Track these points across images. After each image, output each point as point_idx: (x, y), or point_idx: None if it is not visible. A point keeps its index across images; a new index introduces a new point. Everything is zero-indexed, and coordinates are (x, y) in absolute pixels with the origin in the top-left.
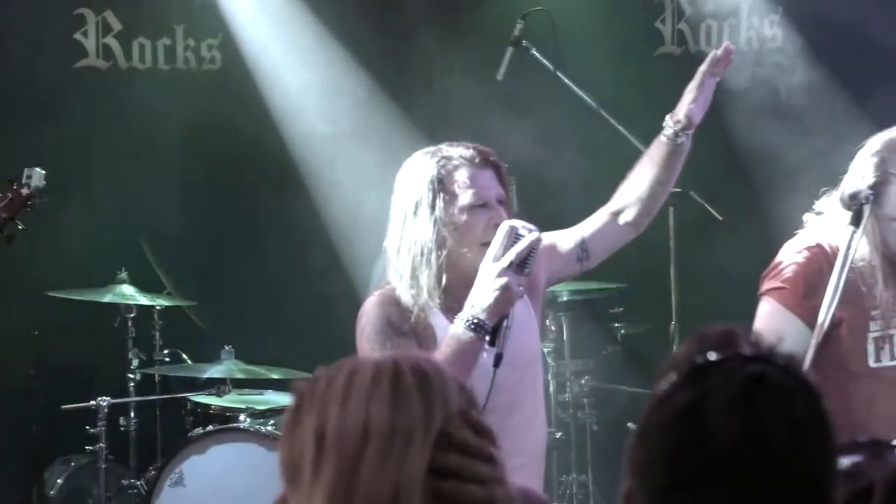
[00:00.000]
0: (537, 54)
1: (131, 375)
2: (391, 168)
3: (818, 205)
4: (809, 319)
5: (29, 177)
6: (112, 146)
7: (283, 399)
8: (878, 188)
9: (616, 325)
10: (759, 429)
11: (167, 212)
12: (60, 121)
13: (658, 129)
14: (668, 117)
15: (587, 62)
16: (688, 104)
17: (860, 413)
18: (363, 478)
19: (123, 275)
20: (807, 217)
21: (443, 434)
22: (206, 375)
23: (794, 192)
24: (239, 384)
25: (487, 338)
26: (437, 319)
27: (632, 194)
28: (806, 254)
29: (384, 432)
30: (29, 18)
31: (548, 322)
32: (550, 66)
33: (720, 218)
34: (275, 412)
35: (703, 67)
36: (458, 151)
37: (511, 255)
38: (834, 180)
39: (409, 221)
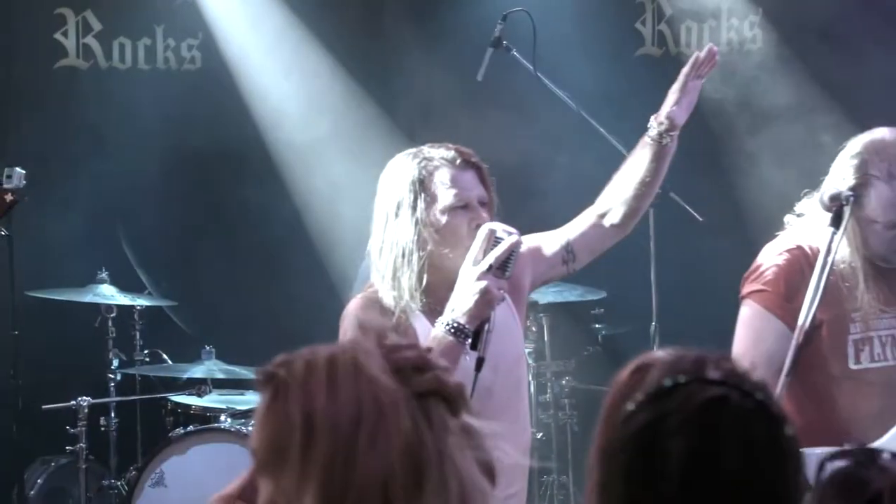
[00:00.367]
0: (517, 55)
1: (112, 375)
2: (371, 168)
3: (799, 206)
4: (790, 321)
5: (9, 177)
6: (92, 146)
7: None
8: (858, 190)
9: (597, 325)
10: (713, 452)
11: (147, 212)
12: (40, 120)
13: (638, 129)
14: (652, 118)
15: (567, 63)
16: (670, 106)
17: (841, 414)
18: (359, 458)
19: (104, 275)
20: (787, 219)
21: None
22: (186, 375)
23: (774, 193)
24: (219, 384)
25: (468, 342)
26: (419, 322)
27: (617, 196)
28: (786, 256)
29: (374, 413)
30: (8, 18)
31: (528, 323)
32: (531, 67)
33: (700, 219)
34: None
35: (685, 69)
36: (439, 153)
37: (490, 258)
38: (814, 182)
39: (391, 222)
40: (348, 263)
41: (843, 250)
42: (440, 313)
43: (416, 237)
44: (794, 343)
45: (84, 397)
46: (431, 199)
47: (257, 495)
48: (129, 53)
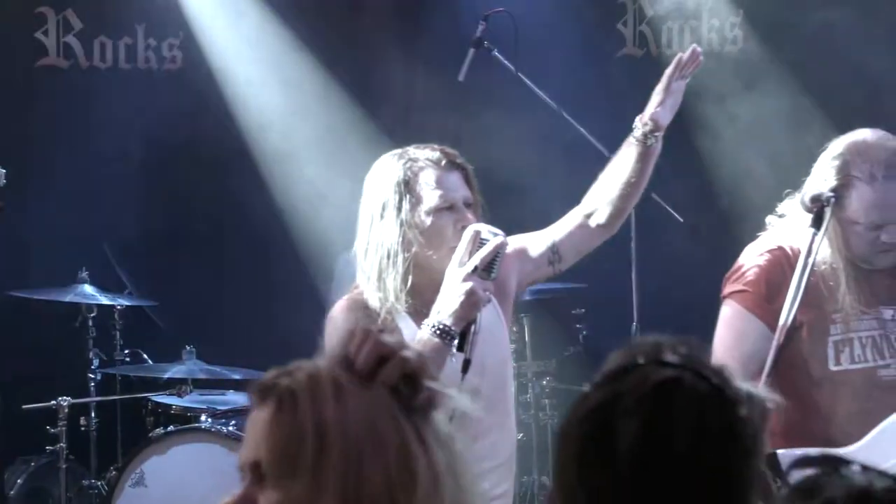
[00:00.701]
0: (499, 55)
1: (92, 375)
2: (352, 169)
3: (780, 207)
4: (771, 322)
5: None
6: (72, 145)
7: (245, 399)
8: (839, 191)
9: (578, 325)
10: (664, 432)
11: (128, 211)
12: (20, 120)
13: (619, 130)
14: (637, 119)
15: (549, 63)
16: (654, 107)
17: (821, 415)
18: (366, 466)
19: (84, 274)
20: (769, 219)
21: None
22: (167, 376)
23: (756, 193)
24: (200, 384)
25: (455, 343)
26: (405, 323)
27: (603, 196)
28: (768, 256)
29: (383, 424)
30: None
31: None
32: (512, 68)
33: (681, 220)
34: (236, 413)
35: (669, 70)
36: (424, 154)
37: (476, 259)
38: (796, 182)
39: (376, 224)
40: (329, 264)
41: (824, 251)
42: (426, 315)
43: (401, 238)
44: (774, 344)
45: (64, 397)
46: (416, 201)
47: None
48: (110, 53)
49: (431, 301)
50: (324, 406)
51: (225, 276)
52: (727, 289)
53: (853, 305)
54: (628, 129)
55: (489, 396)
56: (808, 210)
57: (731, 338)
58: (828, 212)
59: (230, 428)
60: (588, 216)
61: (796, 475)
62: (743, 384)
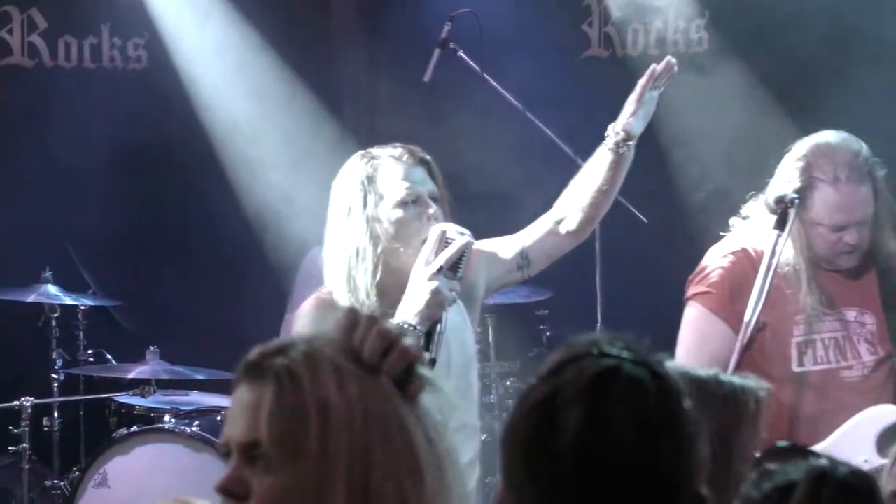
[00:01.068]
0: (464, 56)
1: (55, 375)
2: (317, 171)
3: (744, 209)
4: (734, 323)
5: None
6: (37, 145)
7: (208, 400)
8: (803, 192)
9: (542, 327)
10: (605, 421)
11: (92, 211)
12: None
13: (584, 131)
14: (610, 128)
15: (514, 64)
16: (627, 116)
17: (784, 415)
18: (374, 455)
19: (48, 274)
20: (732, 221)
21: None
22: (130, 376)
23: (720, 195)
24: (163, 385)
25: (420, 343)
26: None
27: (574, 203)
28: (731, 258)
29: (388, 412)
30: None
31: None
32: (477, 68)
33: (645, 220)
34: (200, 413)
35: (642, 81)
36: (387, 151)
37: (441, 259)
38: (759, 184)
39: (343, 223)
40: (294, 264)
41: (787, 253)
42: (390, 314)
43: (368, 234)
44: (738, 344)
45: (27, 397)
46: (381, 196)
47: (243, 489)
48: (75, 52)
49: (399, 296)
50: (327, 389)
51: (189, 276)
52: (691, 290)
53: (815, 307)
54: (593, 131)
55: (454, 397)
56: (773, 211)
57: (694, 339)
58: (791, 213)
59: (194, 428)
60: (558, 222)
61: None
62: (735, 376)
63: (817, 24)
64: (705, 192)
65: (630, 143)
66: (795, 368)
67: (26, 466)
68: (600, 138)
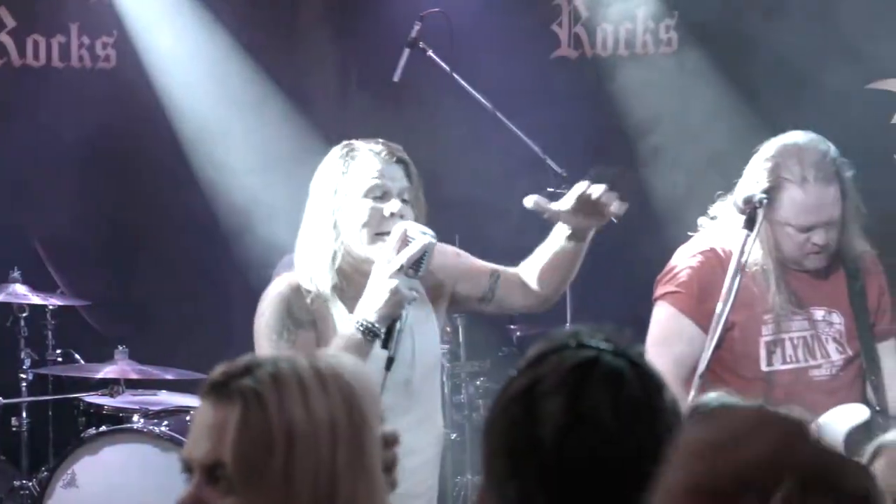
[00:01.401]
0: (434, 56)
1: (23, 375)
2: (286, 170)
3: (712, 209)
4: (703, 323)
5: None
6: (5, 143)
7: (177, 399)
8: (771, 193)
9: (511, 326)
10: (584, 411)
11: (60, 211)
12: None
13: (552, 131)
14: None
15: (484, 64)
16: (571, 223)
17: None
18: (340, 476)
19: (16, 274)
20: (701, 221)
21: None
22: (99, 376)
23: (689, 194)
24: (132, 385)
25: (379, 340)
26: (337, 309)
27: (539, 276)
28: (700, 258)
29: (347, 431)
30: None
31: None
32: (447, 68)
33: (614, 220)
34: (168, 413)
35: (578, 194)
36: (367, 145)
37: (402, 257)
38: (728, 184)
39: (315, 210)
40: (263, 265)
41: (755, 253)
42: (357, 300)
43: (332, 223)
44: (708, 344)
45: None
46: (351, 187)
47: None
48: (43, 51)
49: (362, 287)
50: (292, 411)
51: (157, 276)
52: (659, 290)
53: (784, 306)
54: (562, 132)
55: (418, 391)
56: (741, 211)
57: (663, 338)
58: (760, 213)
59: (162, 428)
60: (531, 280)
61: None
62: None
63: (786, 23)
64: (674, 191)
65: (585, 238)
66: (764, 368)
67: None
68: (569, 139)
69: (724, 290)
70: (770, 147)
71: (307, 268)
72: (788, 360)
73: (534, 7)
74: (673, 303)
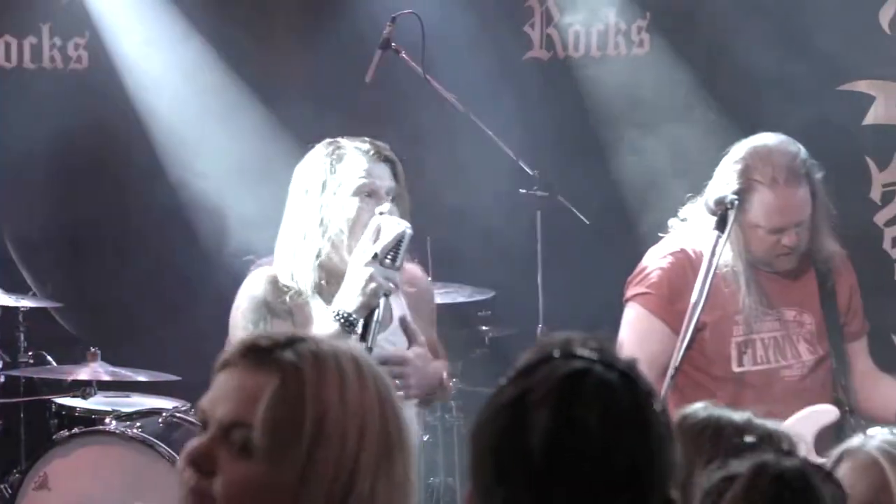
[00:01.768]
0: (406, 57)
1: None
2: (258, 171)
3: (682, 211)
4: (674, 324)
5: None
6: None
7: (149, 401)
8: (741, 195)
9: (484, 328)
10: (575, 423)
11: (33, 212)
12: None
13: (525, 133)
14: None
15: (456, 65)
16: None
17: None
18: (361, 473)
19: None
20: (671, 222)
21: None
22: (71, 377)
23: (661, 196)
24: (104, 386)
25: (357, 331)
26: (315, 301)
27: None
28: (670, 259)
29: (376, 428)
30: None
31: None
32: (419, 70)
33: (587, 222)
34: (141, 415)
35: None
36: (354, 143)
37: (376, 247)
38: (699, 186)
39: (299, 204)
40: (236, 268)
41: (726, 254)
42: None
43: (319, 219)
44: (679, 345)
45: None
46: (339, 184)
47: (210, 465)
48: (15, 52)
49: (341, 283)
50: (328, 399)
51: (130, 277)
52: (630, 291)
53: (754, 307)
54: (534, 133)
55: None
56: (713, 213)
57: (634, 340)
58: (731, 214)
59: (135, 430)
60: None
61: None
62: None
63: (759, 24)
64: (645, 191)
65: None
66: (735, 368)
67: None
68: (541, 140)
69: (695, 291)
70: (740, 149)
71: (288, 264)
72: (759, 360)
73: (506, 9)
74: (643, 304)
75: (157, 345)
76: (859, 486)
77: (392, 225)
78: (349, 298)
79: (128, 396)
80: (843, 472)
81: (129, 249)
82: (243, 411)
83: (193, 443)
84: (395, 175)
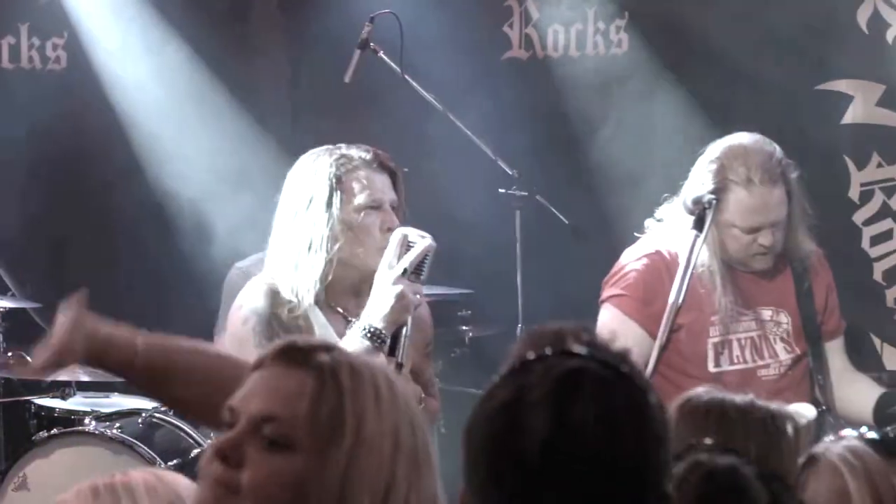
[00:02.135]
0: (385, 57)
1: None
2: (238, 172)
3: (658, 211)
4: (649, 326)
5: None
6: None
7: (129, 402)
8: (717, 194)
9: (464, 328)
10: (572, 422)
11: (11, 212)
12: None
13: (504, 132)
14: None
15: (435, 65)
16: None
17: None
18: (398, 486)
19: None
20: (647, 223)
21: None
22: (50, 378)
23: (638, 196)
24: (84, 387)
25: (386, 347)
26: (316, 316)
27: None
28: (646, 261)
29: (408, 446)
30: None
31: None
32: (398, 69)
33: (566, 222)
34: (121, 415)
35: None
36: (357, 153)
37: (405, 262)
38: (676, 186)
39: (301, 215)
40: (218, 269)
41: (702, 254)
42: (334, 309)
43: (328, 232)
44: (656, 345)
45: None
46: (347, 197)
47: (239, 457)
48: None
49: (342, 296)
50: (365, 409)
51: (110, 277)
52: (605, 292)
53: (730, 307)
54: (513, 133)
55: None
56: (690, 212)
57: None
58: (709, 214)
59: (115, 431)
60: None
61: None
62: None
63: (737, 24)
64: (623, 190)
65: None
66: (712, 369)
67: None
68: (520, 140)
69: (673, 291)
70: (716, 148)
71: (290, 277)
72: (736, 360)
73: (485, 8)
74: (618, 305)
75: None
76: (821, 492)
77: (417, 239)
78: (378, 314)
79: (107, 397)
80: (805, 478)
81: (108, 250)
82: (277, 406)
83: (221, 437)
84: (394, 185)
